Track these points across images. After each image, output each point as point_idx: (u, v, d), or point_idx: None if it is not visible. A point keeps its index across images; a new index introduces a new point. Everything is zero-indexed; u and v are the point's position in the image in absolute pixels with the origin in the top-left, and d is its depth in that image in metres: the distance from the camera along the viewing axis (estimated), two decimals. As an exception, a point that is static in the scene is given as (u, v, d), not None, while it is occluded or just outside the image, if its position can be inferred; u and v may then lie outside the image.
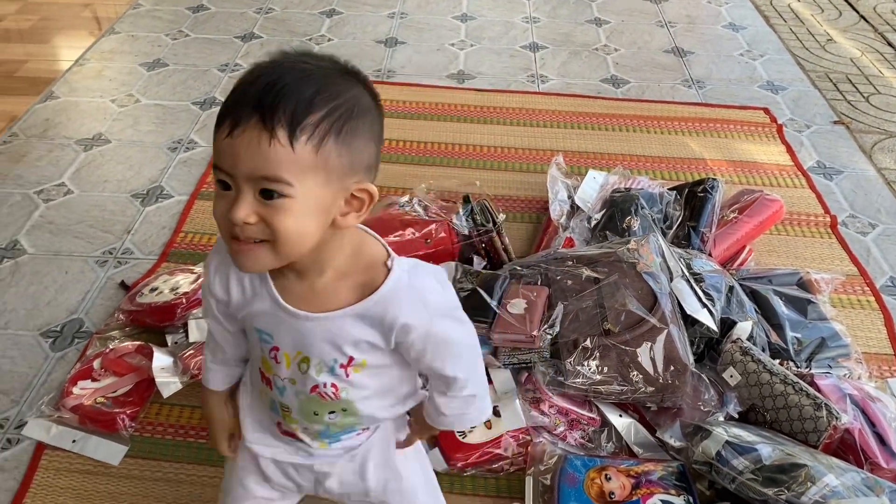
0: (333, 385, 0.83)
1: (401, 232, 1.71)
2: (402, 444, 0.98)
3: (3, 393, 1.50)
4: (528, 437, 1.37)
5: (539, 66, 2.78)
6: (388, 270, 0.78)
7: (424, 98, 2.53)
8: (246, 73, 0.72)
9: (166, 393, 1.44)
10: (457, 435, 1.37)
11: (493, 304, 1.49)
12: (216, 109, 0.75)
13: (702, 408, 1.38)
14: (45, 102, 2.45)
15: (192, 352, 1.49)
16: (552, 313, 1.46)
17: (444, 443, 1.37)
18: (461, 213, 1.76)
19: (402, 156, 2.25)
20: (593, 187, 1.90)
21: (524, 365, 1.45)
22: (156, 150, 2.24)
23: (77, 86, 2.56)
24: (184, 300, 1.57)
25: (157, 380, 1.44)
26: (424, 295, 0.79)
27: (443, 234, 1.71)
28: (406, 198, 1.81)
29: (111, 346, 1.53)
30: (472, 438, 1.37)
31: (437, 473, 1.35)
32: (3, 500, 1.32)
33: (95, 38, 2.86)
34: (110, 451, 1.38)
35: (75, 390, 1.45)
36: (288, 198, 0.69)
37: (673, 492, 1.25)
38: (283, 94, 0.68)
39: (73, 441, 1.40)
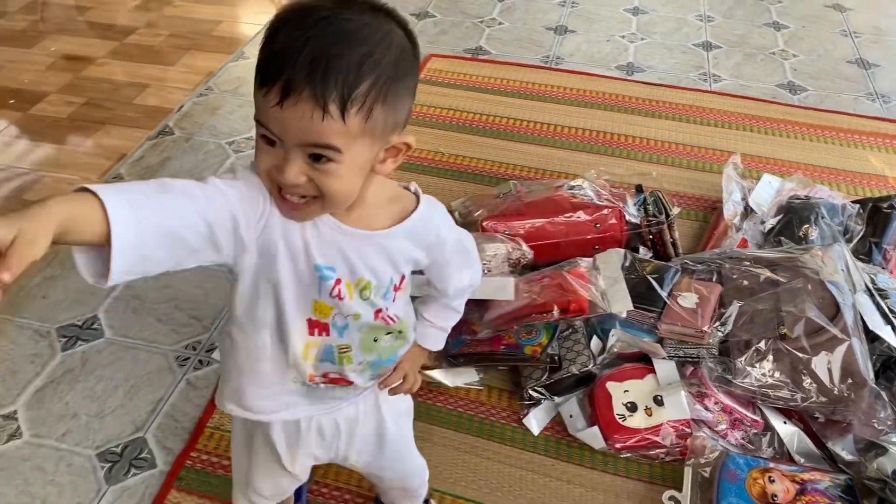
0: (387, 309, 0.87)
1: (570, 213, 1.73)
2: (394, 386, 0.99)
3: (196, 319, 1.65)
4: (689, 430, 1.37)
5: (712, 65, 2.72)
6: (417, 196, 0.86)
7: (592, 87, 2.54)
8: (290, 23, 0.70)
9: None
10: (616, 418, 1.40)
11: (664, 294, 1.49)
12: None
13: (875, 426, 1.33)
14: (237, 62, 2.64)
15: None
16: (725, 311, 1.45)
17: (604, 423, 1.39)
18: (632, 202, 1.77)
19: (568, 142, 2.27)
20: (768, 192, 1.86)
21: (689, 359, 1.45)
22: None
23: (265, 48, 2.73)
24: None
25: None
26: (446, 216, 0.90)
27: (613, 221, 1.72)
28: (577, 181, 1.83)
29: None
30: (631, 423, 1.39)
31: (592, 451, 1.41)
32: (194, 413, 1.46)
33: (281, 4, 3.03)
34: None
35: (261, 325, 1.57)
36: (336, 162, 0.72)
37: (839, 504, 1.23)
38: (332, 66, 0.68)
39: (256, 370, 1.52)
